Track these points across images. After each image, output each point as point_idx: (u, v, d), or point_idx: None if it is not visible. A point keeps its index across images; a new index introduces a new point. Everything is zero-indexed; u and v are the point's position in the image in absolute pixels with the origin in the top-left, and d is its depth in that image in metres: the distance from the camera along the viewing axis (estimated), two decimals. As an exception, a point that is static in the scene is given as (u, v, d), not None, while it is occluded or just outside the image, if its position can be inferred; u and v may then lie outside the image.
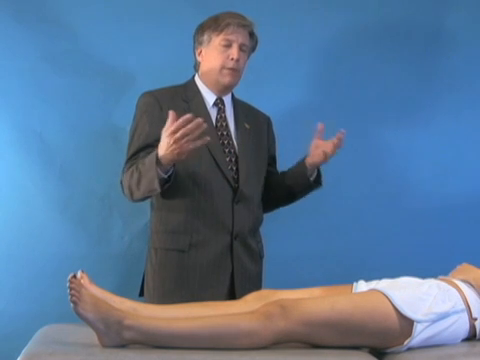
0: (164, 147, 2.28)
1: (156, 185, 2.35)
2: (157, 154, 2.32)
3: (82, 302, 1.91)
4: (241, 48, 2.55)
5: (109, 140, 3.01)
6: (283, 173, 2.74)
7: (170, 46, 3.02)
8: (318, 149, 2.57)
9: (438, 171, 3.18)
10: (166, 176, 2.37)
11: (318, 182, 2.67)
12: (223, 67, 2.54)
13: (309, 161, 2.61)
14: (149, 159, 2.37)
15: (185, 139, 2.24)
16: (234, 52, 2.53)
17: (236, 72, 2.56)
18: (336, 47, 3.18)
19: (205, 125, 2.26)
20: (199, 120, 2.24)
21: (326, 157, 2.56)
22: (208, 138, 2.29)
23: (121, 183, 2.53)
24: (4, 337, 2.89)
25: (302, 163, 2.63)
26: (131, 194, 2.49)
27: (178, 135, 2.23)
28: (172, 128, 2.24)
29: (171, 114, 2.25)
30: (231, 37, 2.53)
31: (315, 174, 2.65)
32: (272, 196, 2.71)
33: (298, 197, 2.72)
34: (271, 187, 2.70)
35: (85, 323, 1.94)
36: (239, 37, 2.54)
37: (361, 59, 3.18)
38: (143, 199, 2.52)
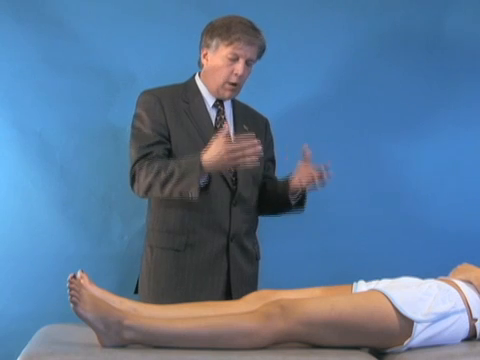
0: (213, 156, 2.34)
1: (194, 190, 2.37)
2: (200, 160, 2.36)
3: (82, 302, 1.91)
4: (247, 63, 2.54)
5: (109, 140, 3.01)
6: (272, 182, 2.69)
7: (170, 46, 3.02)
8: (307, 171, 2.50)
9: (438, 173, 3.18)
10: (202, 183, 2.40)
11: (301, 205, 2.61)
12: (226, 81, 2.54)
13: (295, 182, 2.54)
14: (188, 163, 2.39)
15: (237, 156, 2.32)
16: (239, 68, 2.52)
17: (237, 87, 2.57)
18: (338, 51, 3.17)
19: (260, 149, 2.33)
20: (258, 147, 2.32)
21: (312, 182, 2.48)
22: (258, 163, 2.37)
23: (133, 177, 2.50)
24: (4, 337, 2.89)
25: (286, 182, 2.57)
26: (148, 190, 2.46)
27: (234, 151, 2.31)
28: (232, 146, 2.31)
29: (226, 126, 2.36)
30: (240, 52, 2.51)
31: (298, 197, 2.58)
32: (259, 201, 2.67)
33: (278, 213, 2.68)
34: (260, 192, 2.67)
35: (85, 323, 1.94)
36: (247, 53, 2.52)
37: (362, 63, 3.18)
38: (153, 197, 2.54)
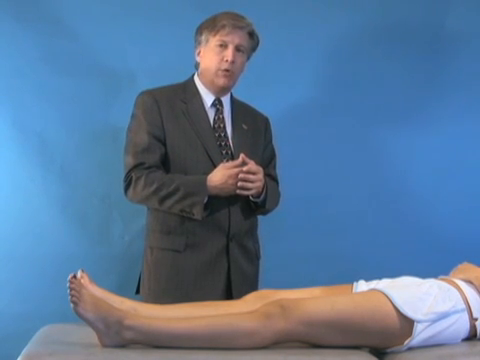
0: (219, 180, 2.44)
1: (197, 210, 2.44)
2: (206, 182, 2.43)
3: (82, 302, 1.91)
4: (238, 49, 2.55)
5: (109, 140, 3.01)
6: None
7: (170, 46, 3.02)
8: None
9: (438, 172, 3.18)
10: (205, 201, 2.46)
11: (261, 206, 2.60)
12: (218, 69, 2.55)
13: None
14: (193, 183, 2.45)
15: (242, 183, 2.45)
16: (229, 53, 2.53)
17: (231, 74, 2.56)
18: (337, 48, 3.18)
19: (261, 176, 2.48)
20: (260, 175, 2.47)
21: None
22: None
23: (128, 183, 2.51)
24: (4, 337, 2.89)
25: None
26: (143, 201, 2.52)
27: (241, 177, 2.44)
28: (238, 171, 2.43)
29: (242, 157, 2.44)
30: (227, 38, 2.53)
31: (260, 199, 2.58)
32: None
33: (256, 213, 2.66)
34: None
35: (85, 323, 1.94)
36: (235, 38, 2.53)
37: (362, 60, 3.18)
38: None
